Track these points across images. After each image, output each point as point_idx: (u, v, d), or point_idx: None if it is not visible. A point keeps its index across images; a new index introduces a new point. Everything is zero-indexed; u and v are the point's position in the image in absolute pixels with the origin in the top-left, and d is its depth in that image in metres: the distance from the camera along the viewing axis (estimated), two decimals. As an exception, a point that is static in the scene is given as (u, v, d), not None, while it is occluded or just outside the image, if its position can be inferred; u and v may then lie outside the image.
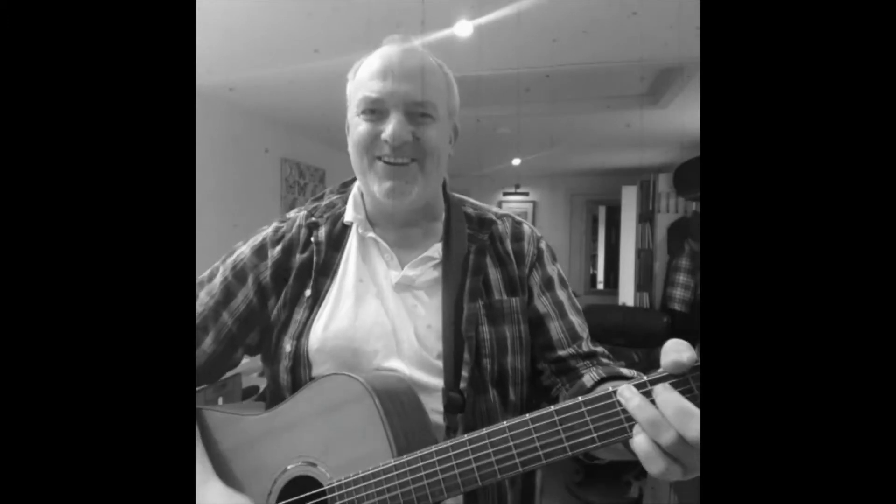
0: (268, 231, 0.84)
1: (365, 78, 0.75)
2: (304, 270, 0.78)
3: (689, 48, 2.01)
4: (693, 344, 0.50)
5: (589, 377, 0.73)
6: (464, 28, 1.94)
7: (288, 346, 0.75)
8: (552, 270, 0.85)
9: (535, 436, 0.54)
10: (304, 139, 3.80)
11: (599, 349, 0.81)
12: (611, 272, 5.73)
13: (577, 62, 2.27)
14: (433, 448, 0.59)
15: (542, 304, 0.81)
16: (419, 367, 0.74)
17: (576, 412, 0.53)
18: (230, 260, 0.82)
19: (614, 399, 0.52)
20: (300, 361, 0.74)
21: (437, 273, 0.78)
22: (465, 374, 0.72)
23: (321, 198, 0.89)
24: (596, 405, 0.52)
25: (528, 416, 0.55)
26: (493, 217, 0.85)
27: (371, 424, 0.63)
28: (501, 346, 0.76)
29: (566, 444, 0.53)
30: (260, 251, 0.81)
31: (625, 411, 0.50)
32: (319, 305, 0.76)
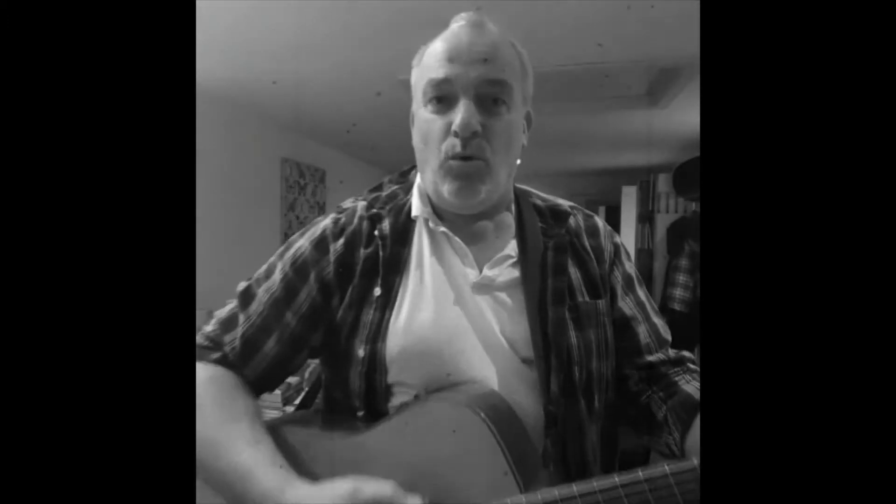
0: (327, 222, 0.76)
1: (431, 62, 0.69)
2: (370, 266, 0.72)
3: (689, 48, 2.01)
4: (693, 344, 0.50)
5: (692, 388, 0.69)
6: (464, 28, 1.93)
7: (361, 351, 0.69)
8: (630, 269, 0.80)
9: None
10: (304, 139, 3.80)
11: (686, 354, 0.78)
12: (611, 272, 5.71)
13: (577, 62, 2.27)
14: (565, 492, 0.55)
15: (626, 305, 0.76)
16: (512, 376, 0.68)
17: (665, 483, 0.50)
18: (289, 255, 0.75)
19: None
20: (376, 367, 0.69)
21: (516, 272, 0.72)
22: (554, 382, 0.68)
23: (380, 187, 0.82)
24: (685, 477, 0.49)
25: (641, 475, 0.51)
26: (567, 209, 0.79)
27: (489, 455, 0.58)
28: (588, 352, 0.71)
29: None
30: (320, 245, 0.74)
31: None
32: (393, 306, 0.70)
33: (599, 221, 0.81)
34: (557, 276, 0.72)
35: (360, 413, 0.69)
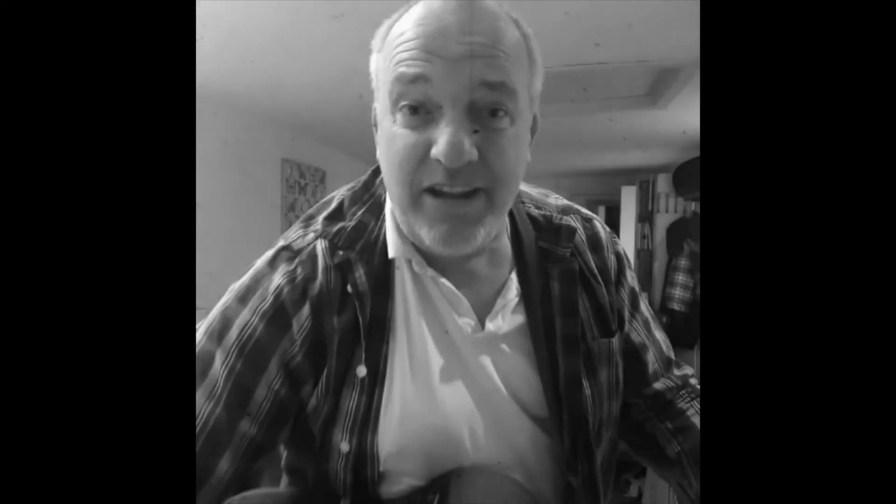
0: (279, 281, 0.57)
1: (401, 52, 0.49)
2: (348, 338, 0.56)
3: (689, 48, 2.01)
4: (693, 344, 0.50)
5: (696, 418, 0.63)
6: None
7: (345, 444, 0.55)
8: (633, 280, 0.69)
9: None
10: (304, 139, 3.80)
11: (688, 371, 0.70)
12: (610, 272, 5.71)
13: (577, 63, 2.26)
14: None
15: (635, 330, 0.67)
16: (525, 440, 0.59)
17: None
18: (231, 336, 0.56)
19: None
20: (366, 461, 0.56)
21: (520, 317, 0.60)
22: (567, 441, 0.58)
23: (340, 212, 0.62)
24: None
25: None
26: (572, 223, 0.64)
27: None
28: (601, 398, 0.61)
29: None
30: (278, 319, 0.55)
31: None
32: (382, 384, 0.56)
33: (599, 226, 0.68)
34: (567, 316, 0.60)
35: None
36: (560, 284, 0.60)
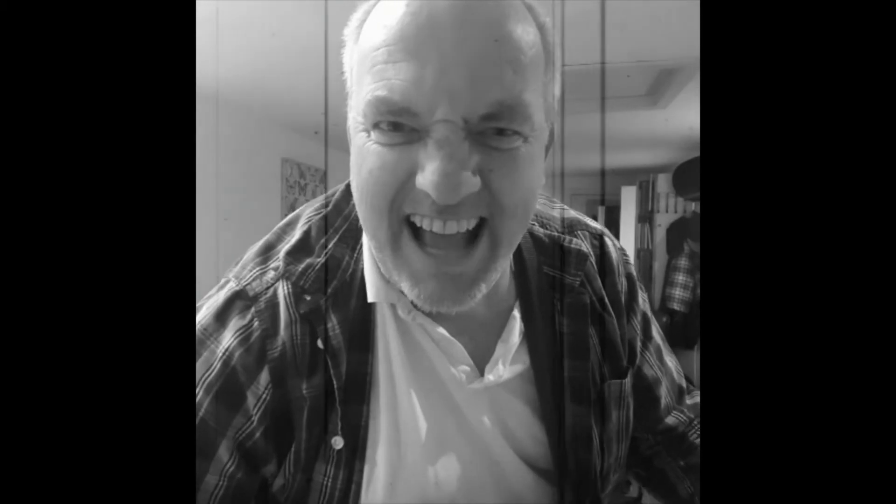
0: (227, 341, 0.46)
1: (379, 53, 0.38)
2: (320, 405, 0.45)
3: (689, 48, 2.01)
4: (693, 344, 0.50)
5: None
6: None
7: None
8: (644, 305, 0.62)
9: None
10: (304, 139, 3.80)
11: (698, 399, 0.63)
12: (610, 272, 5.72)
13: (577, 63, 2.26)
14: None
15: (647, 363, 0.59)
16: (530, 495, 0.51)
17: None
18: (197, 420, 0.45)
19: None
20: None
21: (523, 362, 0.51)
22: (570, 492, 0.51)
23: (306, 244, 0.50)
24: None
25: None
26: (583, 247, 0.55)
27: None
28: (609, 443, 0.54)
29: None
30: (228, 393, 0.45)
31: None
32: (363, 456, 0.46)
33: (610, 245, 0.59)
34: (576, 359, 0.52)
35: None
36: (569, 320, 0.52)
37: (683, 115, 2.99)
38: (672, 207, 4.09)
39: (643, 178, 4.37)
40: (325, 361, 0.46)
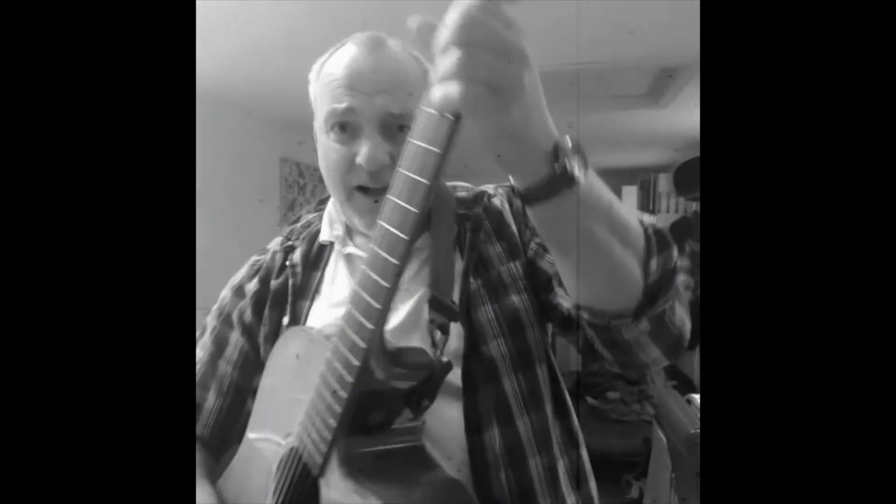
0: (244, 268, 0.79)
1: (332, 89, 0.66)
2: (280, 296, 0.73)
3: (689, 48, 2.01)
4: (693, 344, 0.50)
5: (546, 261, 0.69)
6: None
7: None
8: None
9: None
10: (304, 139, 3.80)
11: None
12: (611, 272, 5.71)
13: (577, 63, 2.26)
14: None
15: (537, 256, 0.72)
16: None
17: None
18: (215, 308, 0.78)
19: None
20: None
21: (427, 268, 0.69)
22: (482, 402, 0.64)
23: (298, 220, 0.83)
24: None
25: None
26: (489, 190, 0.75)
27: None
28: (511, 326, 0.68)
29: None
30: (239, 290, 0.77)
31: None
32: None
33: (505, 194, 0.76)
34: (471, 252, 0.69)
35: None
36: (471, 234, 0.70)
37: (683, 115, 2.99)
38: (673, 207, 4.08)
39: (644, 178, 4.36)
40: (288, 272, 0.74)
